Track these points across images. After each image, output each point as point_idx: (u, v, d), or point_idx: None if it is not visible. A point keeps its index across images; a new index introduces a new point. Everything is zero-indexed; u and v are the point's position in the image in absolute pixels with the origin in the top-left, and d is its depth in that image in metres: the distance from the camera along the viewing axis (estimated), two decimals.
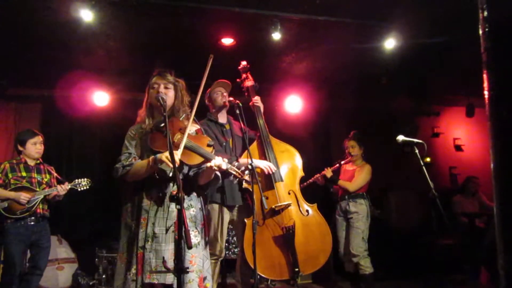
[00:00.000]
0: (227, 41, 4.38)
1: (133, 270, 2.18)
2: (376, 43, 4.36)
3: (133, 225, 2.27)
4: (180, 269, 1.83)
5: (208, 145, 2.32)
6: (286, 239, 3.21)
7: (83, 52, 4.44)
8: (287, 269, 3.20)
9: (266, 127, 3.47)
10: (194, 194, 2.41)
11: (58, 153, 5.18)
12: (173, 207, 2.21)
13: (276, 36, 4.04)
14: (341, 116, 6.12)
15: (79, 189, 3.71)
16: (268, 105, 5.41)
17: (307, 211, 3.34)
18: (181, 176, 2.26)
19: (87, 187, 3.73)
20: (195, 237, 2.30)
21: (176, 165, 2.02)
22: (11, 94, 5.05)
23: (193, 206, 2.36)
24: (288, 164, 3.46)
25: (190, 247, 2.00)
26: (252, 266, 2.87)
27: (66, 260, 4.61)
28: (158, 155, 2.18)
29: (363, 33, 4.23)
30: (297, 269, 3.16)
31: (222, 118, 3.47)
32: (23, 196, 3.45)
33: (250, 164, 2.84)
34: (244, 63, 3.69)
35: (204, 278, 2.31)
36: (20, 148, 3.65)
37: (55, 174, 3.79)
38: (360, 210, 4.15)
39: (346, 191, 4.23)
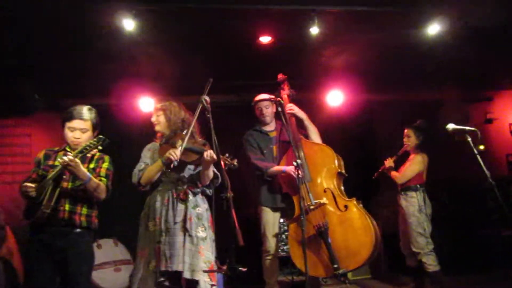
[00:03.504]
0: (265, 39, 4.40)
1: (153, 263, 2.65)
2: (418, 29, 4.22)
3: (150, 225, 2.77)
4: (232, 268, 1.88)
5: (203, 144, 2.80)
6: (320, 237, 3.25)
7: (126, 61, 4.59)
8: (330, 266, 3.22)
9: (296, 132, 3.59)
10: (200, 195, 2.89)
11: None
12: (180, 206, 2.75)
13: (314, 30, 4.00)
14: (385, 108, 5.96)
15: None
16: (310, 101, 5.41)
17: (345, 206, 3.34)
18: (185, 176, 2.84)
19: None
20: (203, 232, 2.76)
21: (177, 161, 2.59)
22: (63, 105, 5.31)
23: (199, 205, 2.84)
24: (322, 163, 3.51)
25: (241, 245, 2.07)
26: (295, 263, 3.26)
27: (123, 261, 4.81)
28: (165, 155, 2.68)
29: (404, 20, 4.10)
30: (336, 266, 3.15)
31: (268, 126, 3.74)
32: None
33: (296, 163, 3.02)
34: (280, 76, 3.86)
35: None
36: None
37: None
38: (410, 203, 4.03)
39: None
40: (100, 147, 2.50)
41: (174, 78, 4.93)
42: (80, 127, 2.71)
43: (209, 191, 2.97)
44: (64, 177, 2.62)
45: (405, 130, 4.27)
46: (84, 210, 2.70)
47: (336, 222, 3.30)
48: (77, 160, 2.48)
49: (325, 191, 3.42)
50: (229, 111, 5.14)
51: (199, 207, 2.84)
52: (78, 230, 2.65)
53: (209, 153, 2.69)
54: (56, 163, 2.65)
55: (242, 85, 5.54)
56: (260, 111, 3.73)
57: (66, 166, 2.46)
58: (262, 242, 3.64)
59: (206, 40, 4.32)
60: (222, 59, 4.79)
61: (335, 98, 5.54)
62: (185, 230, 2.71)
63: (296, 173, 3.12)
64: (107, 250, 4.76)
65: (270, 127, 3.77)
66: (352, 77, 5.28)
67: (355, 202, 3.36)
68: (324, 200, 3.36)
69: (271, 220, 3.56)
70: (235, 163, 2.67)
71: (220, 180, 2.88)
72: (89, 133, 2.76)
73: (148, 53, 4.41)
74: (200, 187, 2.90)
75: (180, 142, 2.75)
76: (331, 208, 3.36)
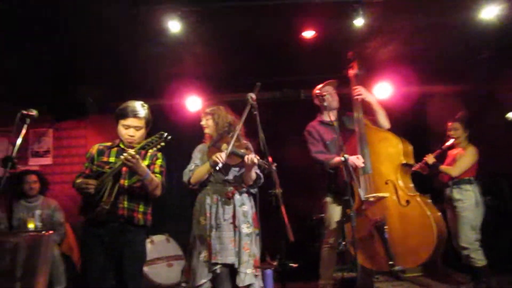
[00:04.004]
0: (308, 34, 4.35)
1: (204, 253, 2.90)
2: (471, 14, 4.01)
3: (201, 219, 3.00)
4: (283, 264, 1.89)
5: (246, 148, 2.97)
6: (377, 232, 3.14)
7: (173, 61, 4.72)
8: (386, 261, 3.10)
9: (363, 118, 3.43)
10: (245, 194, 3.07)
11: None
12: (228, 204, 2.96)
13: (359, 22, 3.91)
14: (438, 99, 5.72)
15: None
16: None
17: (407, 201, 3.16)
18: (231, 177, 3.04)
19: None
20: (248, 228, 2.96)
21: (222, 164, 2.75)
22: (114, 107, 5.54)
23: (245, 204, 3.03)
24: (386, 153, 3.32)
25: (291, 241, 2.08)
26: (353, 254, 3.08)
27: (175, 257, 4.96)
28: (211, 158, 2.87)
29: (455, 3, 3.91)
30: (391, 263, 3.04)
31: (331, 115, 3.54)
32: None
33: (344, 160, 2.91)
34: (350, 53, 3.70)
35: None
36: None
37: None
38: (465, 197, 3.87)
39: (450, 177, 3.97)
40: (162, 143, 2.48)
41: (220, 76, 5.01)
42: (135, 125, 2.71)
43: (253, 191, 3.11)
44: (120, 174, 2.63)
45: (450, 124, 4.11)
46: (141, 208, 2.73)
47: (396, 217, 3.14)
48: (138, 156, 2.49)
49: (386, 183, 3.23)
50: (273, 107, 5.15)
51: (245, 205, 3.04)
52: (135, 228, 2.69)
53: (249, 158, 2.81)
54: (111, 159, 2.70)
55: (286, 81, 5.54)
56: (323, 99, 3.51)
57: (127, 162, 2.46)
58: (325, 234, 3.60)
59: (249, 37, 4.35)
60: (266, 56, 4.80)
61: (384, 90, 5.39)
62: (234, 226, 2.93)
63: (354, 165, 3.11)
64: (159, 246, 4.92)
65: (333, 116, 3.56)
66: (400, 67, 5.12)
67: (419, 198, 3.16)
68: (383, 193, 3.21)
69: (335, 212, 3.44)
70: (274, 167, 2.72)
71: (263, 180, 3.05)
72: (142, 131, 2.77)
73: (194, 53, 4.51)
74: (244, 187, 3.07)
75: (225, 145, 2.92)
76: (391, 202, 3.20)
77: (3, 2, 3.37)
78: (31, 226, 4.24)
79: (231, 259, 2.88)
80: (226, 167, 3.00)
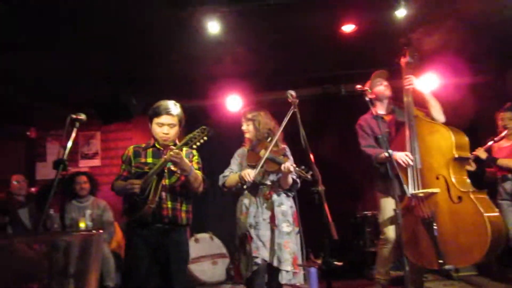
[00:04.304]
0: (348, 28, 4.27)
1: (247, 248, 3.00)
2: None
3: (242, 218, 3.11)
4: (327, 262, 1.86)
5: (283, 155, 3.01)
6: (425, 229, 3.02)
7: (213, 61, 4.77)
8: (435, 259, 2.97)
9: (413, 109, 3.28)
10: (284, 195, 3.14)
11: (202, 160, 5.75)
12: (267, 204, 3.04)
13: (401, 13, 3.79)
14: (488, 90, 5.44)
15: None
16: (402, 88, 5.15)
17: (459, 198, 2.99)
18: (268, 181, 3.12)
19: None
20: (288, 227, 3.02)
21: (249, 184, 2.88)
22: None
23: (283, 203, 3.09)
24: (437, 146, 3.16)
25: (335, 239, 2.06)
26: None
27: (219, 255, 5.03)
28: (240, 173, 3.00)
29: None
30: (441, 261, 2.92)
31: (383, 109, 3.50)
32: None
33: (389, 156, 2.86)
34: (402, 40, 3.53)
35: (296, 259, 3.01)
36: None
37: None
38: None
39: (509, 170, 3.76)
40: (205, 138, 2.47)
41: (259, 75, 5.02)
42: (169, 123, 2.71)
43: (290, 193, 3.19)
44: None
45: (501, 114, 3.88)
46: (184, 206, 2.74)
47: (446, 214, 3.00)
48: (181, 152, 2.51)
49: (437, 178, 3.08)
50: (314, 104, 5.09)
51: (284, 205, 3.10)
52: (179, 227, 2.71)
53: (286, 167, 2.86)
54: (149, 160, 2.72)
55: (327, 77, 5.46)
56: (379, 85, 3.46)
57: (173, 159, 2.46)
58: (380, 231, 3.50)
59: (288, 35, 4.32)
60: (305, 53, 4.76)
61: (430, 82, 5.18)
62: (272, 226, 3.01)
63: (401, 160, 3.04)
64: (204, 244, 5.02)
65: (384, 109, 3.50)
66: (447, 58, 4.92)
67: (472, 195, 2.97)
68: (433, 189, 3.07)
69: (389, 207, 3.32)
70: (309, 176, 2.75)
71: (299, 185, 3.11)
72: (176, 129, 2.77)
73: (234, 53, 4.54)
74: (281, 190, 3.14)
75: (263, 151, 2.98)
76: (442, 198, 3.05)
77: (51, 7, 3.54)
78: (82, 225, 4.44)
79: (268, 257, 2.97)
80: (264, 172, 3.11)
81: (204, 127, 2.49)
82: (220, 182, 3.25)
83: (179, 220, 2.70)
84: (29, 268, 0.85)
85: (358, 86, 3.41)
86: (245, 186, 2.90)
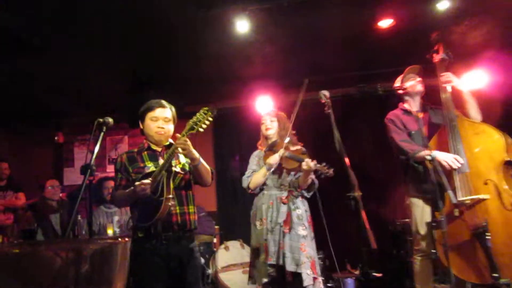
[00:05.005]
0: (385, 23, 4.19)
1: (262, 257, 3.14)
2: None
3: (257, 224, 3.25)
4: (365, 273, 1.83)
5: (302, 153, 3.17)
6: (477, 239, 2.84)
7: (242, 62, 4.79)
8: (488, 273, 2.79)
9: (453, 108, 3.12)
10: (300, 198, 3.27)
11: (230, 159, 5.83)
12: (283, 208, 3.17)
13: (443, 5, 3.69)
14: None
15: None
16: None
17: None
18: (286, 181, 3.26)
19: None
20: (304, 230, 3.14)
21: (276, 165, 3.14)
22: (188, 111, 5.77)
23: (299, 207, 3.22)
24: (485, 149, 2.99)
25: (374, 248, 2.01)
26: (445, 264, 2.80)
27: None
28: (266, 160, 3.24)
29: None
30: (496, 275, 2.75)
31: (415, 105, 3.40)
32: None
33: (429, 158, 2.75)
34: (434, 35, 3.40)
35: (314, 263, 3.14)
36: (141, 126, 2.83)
37: None
38: None
39: None
40: (210, 118, 2.37)
41: (290, 75, 5.00)
42: (163, 116, 2.66)
43: (307, 195, 3.32)
44: None
45: None
46: (191, 208, 2.62)
47: (499, 222, 2.83)
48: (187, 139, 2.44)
49: (485, 184, 2.91)
50: (348, 104, 5.02)
51: (299, 208, 3.23)
52: (188, 233, 2.60)
53: (307, 163, 3.01)
54: (148, 163, 2.61)
55: (362, 75, 5.38)
56: (411, 80, 3.37)
57: (182, 146, 2.41)
58: (414, 241, 3.34)
59: (320, 32, 4.29)
60: (339, 51, 4.70)
61: (478, 79, 4.98)
62: (284, 229, 3.13)
63: (447, 162, 2.88)
64: (234, 252, 5.02)
65: (416, 106, 3.38)
66: (495, 53, 4.74)
67: None
68: (483, 195, 2.89)
69: (424, 213, 3.19)
70: (331, 172, 2.93)
71: (317, 185, 3.28)
72: (171, 124, 2.71)
73: (263, 52, 4.55)
74: (299, 191, 3.28)
75: (282, 150, 3.17)
76: (493, 205, 2.88)
77: (78, 9, 3.65)
78: (110, 231, 4.54)
79: (282, 260, 3.09)
80: (283, 172, 3.28)
81: (206, 108, 2.39)
82: (245, 184, 3.39)
83: (189, 225, 2.59)
84: (55, 276, 0.86)
85: (397, 85, 3.35)
86: (272, 169, 3.17)
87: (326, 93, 2.72)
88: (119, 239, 0.98)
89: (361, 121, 5.52)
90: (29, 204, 5.24)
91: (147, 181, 2.41)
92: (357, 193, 2.03)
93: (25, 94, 5.33)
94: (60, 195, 5.19)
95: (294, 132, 3.44)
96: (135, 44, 4.27)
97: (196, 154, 2.52)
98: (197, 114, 2.39)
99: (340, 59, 4.86)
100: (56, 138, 6.44)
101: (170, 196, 2.43)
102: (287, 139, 3.26)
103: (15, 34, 3.88)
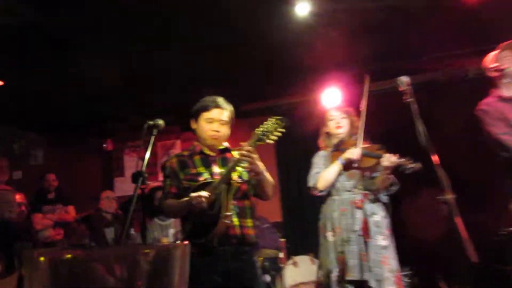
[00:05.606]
0: None
1: (335, 273, 2.98)
2: None
3: (329, 235, 3.11)
4: None
5: (378, 149, 3.09)
6: None
7: (303, 50, 4.75)
8: None
9: None
10: (378, 202, 3.14)
11: (295, 161, 5.80)
12: (358, 213, 3.03)
13: None
14: None
15: None
16: None
17: None
18: (360, 183, 3.14)
19: None
20: (384, 240, 3.01)
21: (357, 161, 3.02)
22: (244, 110, 5.82)
23: (376, 213, 3.09)
24: None
25: (473, 262, 1.90)
26: None
27: None
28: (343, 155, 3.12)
29: None
30: None
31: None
32: None
33: None
34: None
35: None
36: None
37: None
38: None
39: None
40: (282, 129, 2.30)
41: (360, 63, 4.91)
42: (219, 118, 2.61)
43: (384, 198, 3.18)
44: None
45: None
46: (250, 222, 2.58)
47: None
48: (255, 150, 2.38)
49: None
50: (432, 92, 4.83)
51: (376, 215, 3.09)
52: (248, 247, 2.57)
53: (387, 158, 2.93)
54: (200, 169, 2.59)
55: (446, 56, 5.17)
56: (507, 59, 3.13)
57: (246, 159, 2.36)
58: None
59: (394, 12, 4.16)
60: (417, 32, 4.54)
61: None
62: (365, 238, 2.98)
63: None
64: (304, 269, 4.97)
65: None
66: None
67: None
68: None
69: None
70: (418, 166, 2.83)
71: (398, 187, 3.14)
72: (227, 128, 2.67)
73: (327, 38, 4.48)
74: (375, 194, 3.14)
75: (361, 144, 3.07)
76: None
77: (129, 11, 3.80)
78: None
79: (366, 275, 2.92)
80: (355, 172, 3.15)
81: (277, 117, 2.32)
82: (312, 182, 3.23)
83: (249, 238, 2.55)
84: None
85: (492, 65, 3.14)
86: (353, 165, 3.03)
87: (405, 79, 2.62)
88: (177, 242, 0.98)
89: (448, 111, 5.30)
90: (82, 217, 5.48)
91: (205, 193, 2.36)
92: (450, 196, 1.92)
93: (68, 101, 5.63)
94: (115, 207, 5.40)
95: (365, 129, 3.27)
96: (186, 41, 4.37)
97: (260, 167, 2.49)
98: (266, 123, 2.33)
99: (419, 41, 4.69)
100: (104, 145, 6.71)
101: (229, 213, 2.42)
102: (354, 138, 3.18)
103: (60, 37, 4.11)
